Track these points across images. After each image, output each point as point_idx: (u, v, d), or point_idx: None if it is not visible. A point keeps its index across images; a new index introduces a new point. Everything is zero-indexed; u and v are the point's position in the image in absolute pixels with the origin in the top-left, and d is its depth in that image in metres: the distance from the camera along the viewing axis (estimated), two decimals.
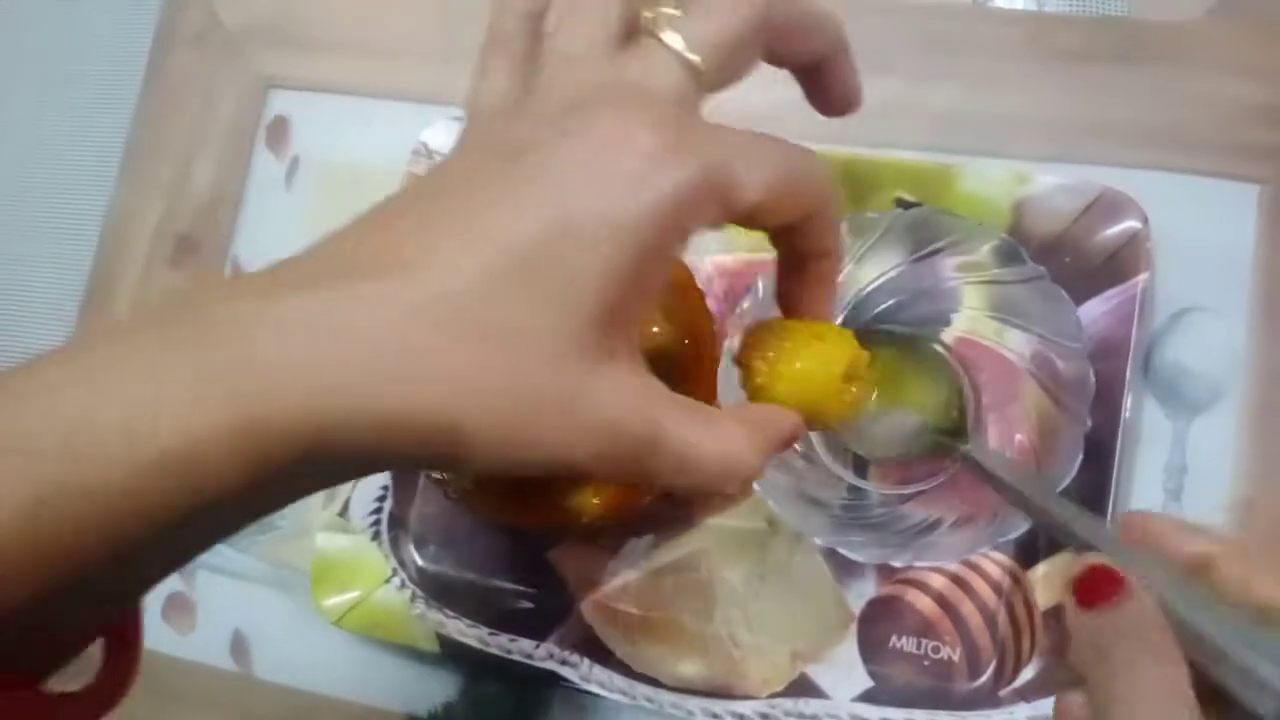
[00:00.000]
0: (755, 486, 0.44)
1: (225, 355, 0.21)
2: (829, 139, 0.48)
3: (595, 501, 0.46)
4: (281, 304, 0.21)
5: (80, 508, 0.19)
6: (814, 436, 0.46)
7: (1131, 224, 0.45)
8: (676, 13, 0.26)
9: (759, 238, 0.28)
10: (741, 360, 0.30)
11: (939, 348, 0.45)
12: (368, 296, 0.22)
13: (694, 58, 0.25)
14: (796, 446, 0.46)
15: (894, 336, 0.45)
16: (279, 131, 0.61)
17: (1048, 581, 0.44)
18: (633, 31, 0.26)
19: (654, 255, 0.23)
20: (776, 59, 0.28)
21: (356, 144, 0.59)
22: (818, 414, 0.30)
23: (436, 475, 0.47)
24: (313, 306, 0.22)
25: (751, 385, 0.30)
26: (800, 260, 0.29)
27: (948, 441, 0.40)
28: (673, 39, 0.25)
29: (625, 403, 0.24)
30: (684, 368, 0.46)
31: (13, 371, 0.21)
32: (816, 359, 0.29)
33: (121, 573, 0.21)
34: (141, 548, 0.21)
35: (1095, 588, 0.28)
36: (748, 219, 0.26)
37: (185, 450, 0.20)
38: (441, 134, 0.54)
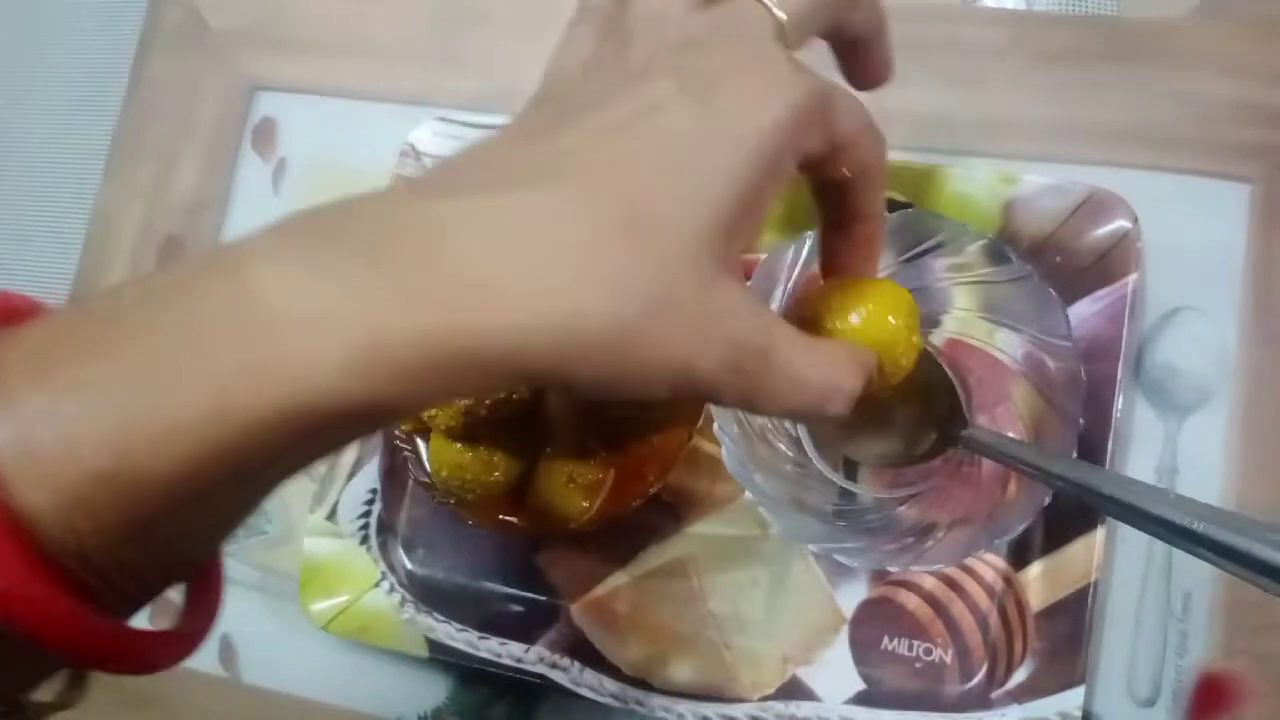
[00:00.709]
0: (747, 494, 0.43)
1: (419, 261, 0.21)
2: None
3: (585, 505, 0.46)
4: (454, 210, 0.22)
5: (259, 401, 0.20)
6: (806, 441, 0.46)
7: (1121, 224, 0.45)
8: None
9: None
10: (802, 316, 0.32)
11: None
12: (531, 204, 0.23)
13: (781, 15, 0.27)
14: (789, 451, 0.46)
15: None
16: (265, 133, 0.60)
17: (1040, 582, 0.44)
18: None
19: (774, 165, 0.25)
20: (827, 32, 0.31)
21: (344, 146, 0.58)
22: (886, 358, 0.31)
23: (425, 479, 0.46)
24: (488, 214, 0.22)
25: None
26: (846, 222, 0.31)
27: (949, 430, 0.40)
28: None
29: (747, 313, 0.25)
30: None
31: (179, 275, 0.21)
32: (880, 307, 0.31)
33: (265, 476, 0.22)
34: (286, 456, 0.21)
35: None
36: (827, 159, 0.28)
37: (370, 354, 0.20)
38: (429, 135, 0.54)
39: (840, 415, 0.28)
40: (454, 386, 0.22)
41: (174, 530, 0.21)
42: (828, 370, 0.27)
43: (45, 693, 0.23)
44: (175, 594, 0.55)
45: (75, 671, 0.23)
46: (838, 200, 0.31)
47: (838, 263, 0.33)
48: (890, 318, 0.31)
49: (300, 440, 0.21)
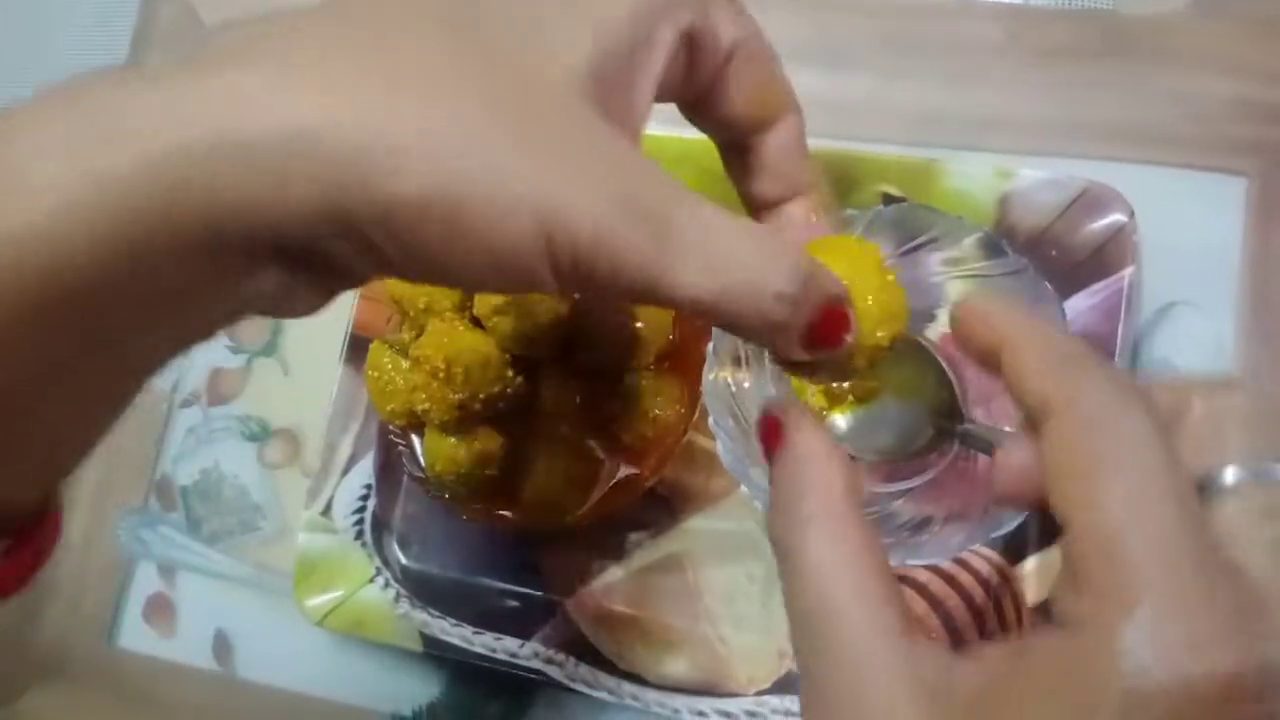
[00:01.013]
0: (743, 488, 0.43)
1: (178, 84, 0.19)
2: (814, 132, 0.48)
3: (580, 499, 0.45)
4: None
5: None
6: None
7: (1117, 218, 0.44)
8: None
9: None
10: None
11: (914, 337, 0.45)
12: (344, 14, 0.21)
13: None
14: None
15: None
16: None
17: (1036, 577, 0.44)
18: None
19: (643, 21, 0.24)
20: None
21: None
22: (859, 293, 0.27)
23: (419, 474, 0.46)
24: (296, 28, 0.21)
25: None
26: (778, 201, 0.29)
27: (945, 425, 0.39)
28: None
29: (646, 169, 0.22)
30: (673, 358, 0.46)
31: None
32: (842, 250, 0.28)
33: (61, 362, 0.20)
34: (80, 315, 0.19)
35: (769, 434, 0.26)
36: (718, 84, 0.27)
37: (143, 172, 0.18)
38: None
39: (767, 327, 0.23)
40: (228, 200, 0.19)
41: None
42: (750, 253, 0.23)
43: None
44: (167, 587, 0.54)
45: None
46: (764, 171, 0.29)
47: None
48: (857, 255, 0.28)
49: (67, 307, 0.18)
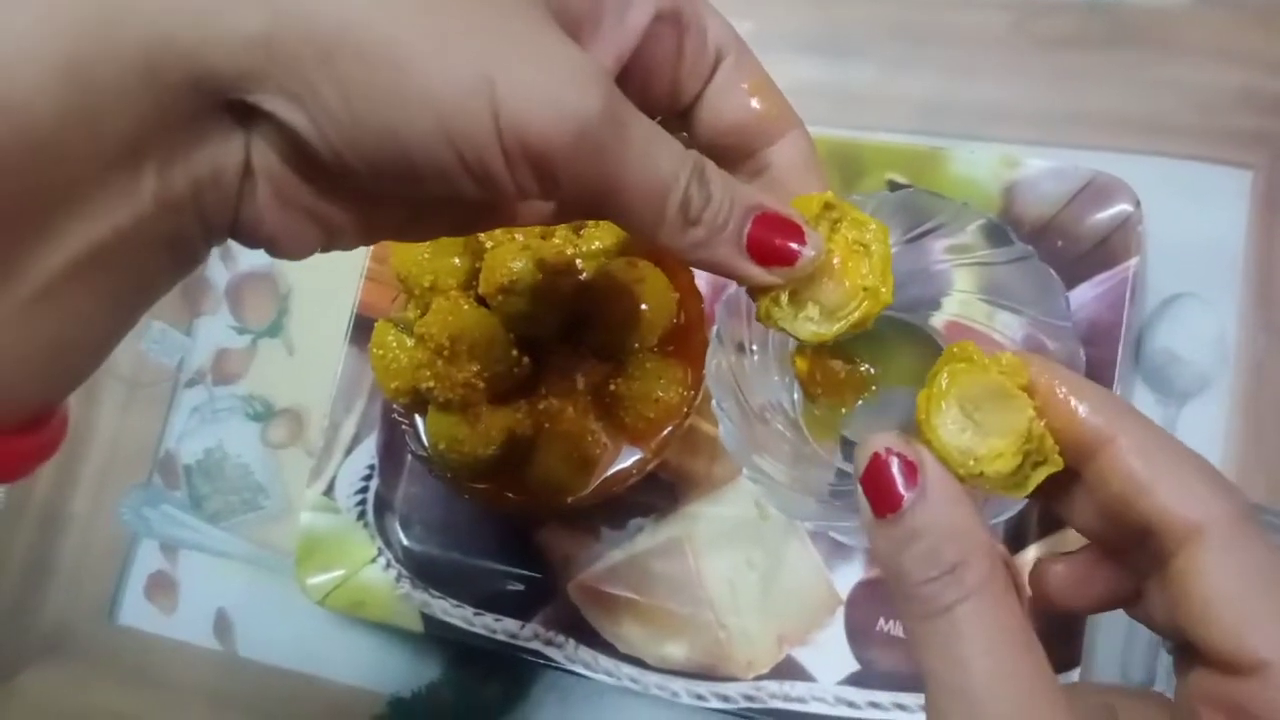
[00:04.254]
0: (745, 473, 0.43)
1: None
2: (820, 121, 0.48)
3: (583, 480, 0.45)
4: None
5: None
6: (801, 420, 0.46)
7: (1123, 208, 0.44)
8: None
9: None
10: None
11: (920, 325, 0.45)
12: None
13: None
14: (786, 432, 0.46)
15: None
16: None
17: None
18: None
19: None
20: None
21: None
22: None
23: (422, 453, 0.46)
24: None
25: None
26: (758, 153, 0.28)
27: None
28: None
29: (595, 64, 0.22)
30: (676, 341, 0.46)
31: None
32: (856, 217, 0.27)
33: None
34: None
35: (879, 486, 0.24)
36: (706, 88, 0.26)
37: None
38: None
39: (670, 220, 0.23)
40: (165, 25, 0.19)
41: None
42: (677, 153, 0.24)
43: None
44: (169, 565, 0.54)
45: None
46: (767, 188, 0.27)
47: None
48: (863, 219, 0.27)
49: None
